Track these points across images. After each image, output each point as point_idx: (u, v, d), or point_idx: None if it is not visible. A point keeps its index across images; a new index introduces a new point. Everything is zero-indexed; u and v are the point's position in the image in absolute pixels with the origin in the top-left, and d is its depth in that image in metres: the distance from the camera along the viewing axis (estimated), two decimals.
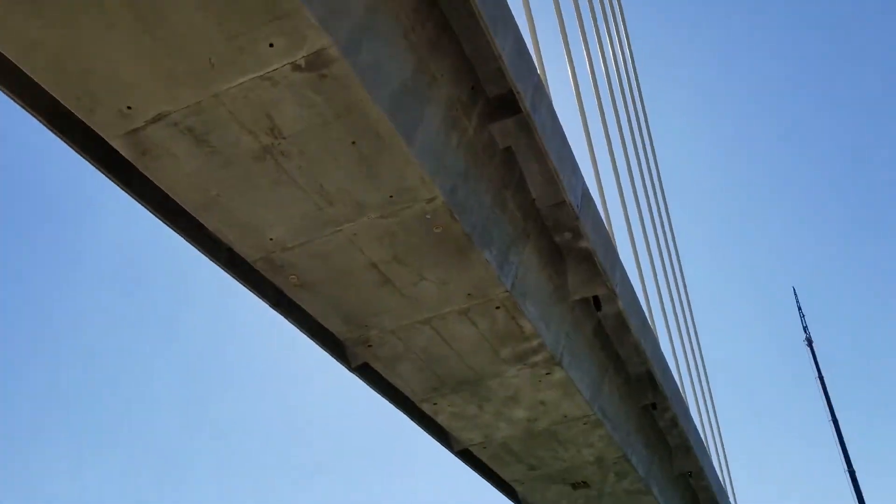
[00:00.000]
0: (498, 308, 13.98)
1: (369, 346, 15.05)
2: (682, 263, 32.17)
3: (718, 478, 33.70)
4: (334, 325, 14.44)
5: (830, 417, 70.69)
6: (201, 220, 11.08)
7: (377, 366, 15.84)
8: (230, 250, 11.94)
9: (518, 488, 23.63)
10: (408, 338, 14.72)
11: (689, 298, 32.79)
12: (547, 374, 16.26)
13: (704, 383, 34.34)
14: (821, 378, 72.59)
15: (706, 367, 34.91)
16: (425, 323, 14.34)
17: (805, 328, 76.21)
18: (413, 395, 16.90)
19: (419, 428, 18.96)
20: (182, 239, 11.67)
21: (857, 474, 67.54)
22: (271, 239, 11.24)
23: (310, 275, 12.17)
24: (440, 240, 11.98)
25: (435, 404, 17.20)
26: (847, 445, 69.08)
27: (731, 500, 39.04)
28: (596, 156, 20.65)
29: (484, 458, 20.50)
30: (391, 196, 10.70)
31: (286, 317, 13.55)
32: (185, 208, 10.79)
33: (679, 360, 30.11)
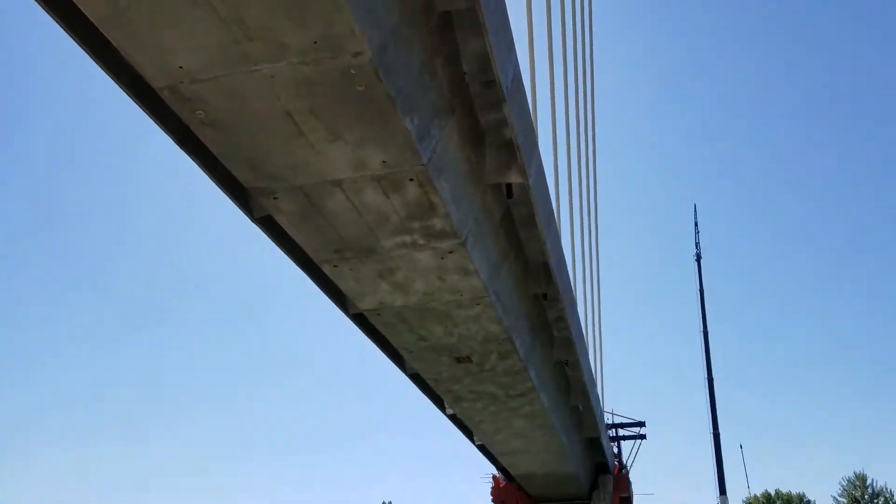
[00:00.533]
0: (412, 180, 13.89)
1: (275, 198, 14.73)
2: (597, 166, 33.02)
3: (591, 370, 36.66)
4: (240, 172, 13.95)
5: (702, 329, 77.18)
6: (106, 34, 10.12)
7: (281, 220, 15.61)
8: (135, 73, 11.08)
9: (406, 356, 24.74)
10: (316, 196, 14.50)
11: (598, 201, 34.02)
12: (450, 252, 16.61)
13: (596, 282, 36.45)
14: (701, 292, 78.42)
15: (601, 269, 36.95)
16: (336, 185, 14.10)
17: (697, 244, 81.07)
18: (315, 254, 16.90)
19: (318, 288, 19.21)
20: (84, 53, 10.71)
21: (716, 384, 74.91)
22: (181, 67, 10.45)
23: (219, 113, 11.54)
24: (362, 99, 11.56)
25: (335, 267, 17.31)
26: (711, 357, 76.12)
27: (599, 392, 42.76)
28: (534, 42, 20.31)
29: (377, 325, 21.17)
30: (315, 42, 10.10)
31: (190, 155, 12.97)
32: (90, 18, 9.78)
33: (577, 258, 31.60)
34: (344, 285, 18.35)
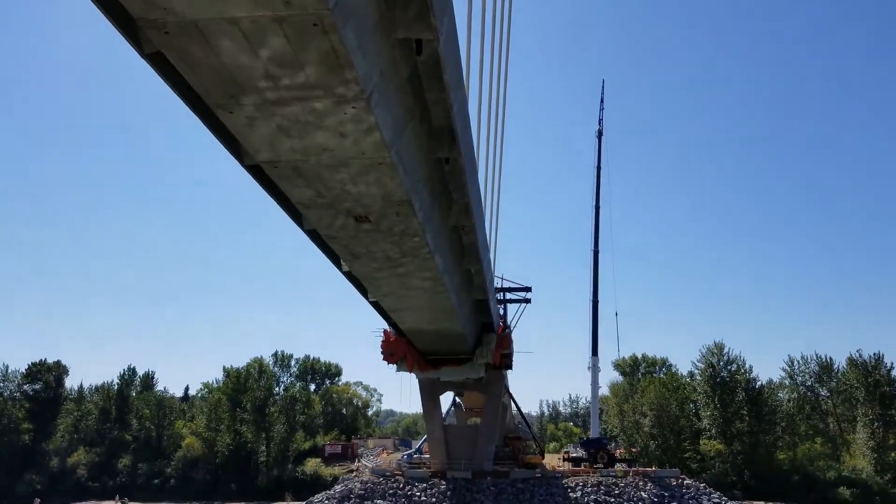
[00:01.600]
0: (315, 25, 13.12)
1: (166, 32, 13.56)
2: (511, 32, 32.29)
3: (486, 236, 38.08)
4: (129, 0, 12.72)
5: (594, 204, 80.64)
6: None
7: (172, 57, 14.47)
8: None
9: (304, 212, 24.56)
10: (211, 33, 13.46)
11: (509, 68, 33.60)
12: (353, 107, 16.12)
13: (499, 151, 36.85)
14: (598, 168, 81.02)
15: (505, 138, 37.24)
16: (234, 23, 13.11)
17: (600, 121, 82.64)
18: (208, 97, 15.95)
19: (210, 133, 18.33)
20: None
21: (600, 255, 79.51)
22: None
23: None
24: None
25: (230, 113, 16.48)
26: (599, 230, 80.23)
27: (491, 257, 44.76)
28: None
29: (273, 177, 20.68)
30: None
31: None
32: None
33: (482, 125, 31.62)
34: (238, 132, 17.58)
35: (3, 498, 79.40)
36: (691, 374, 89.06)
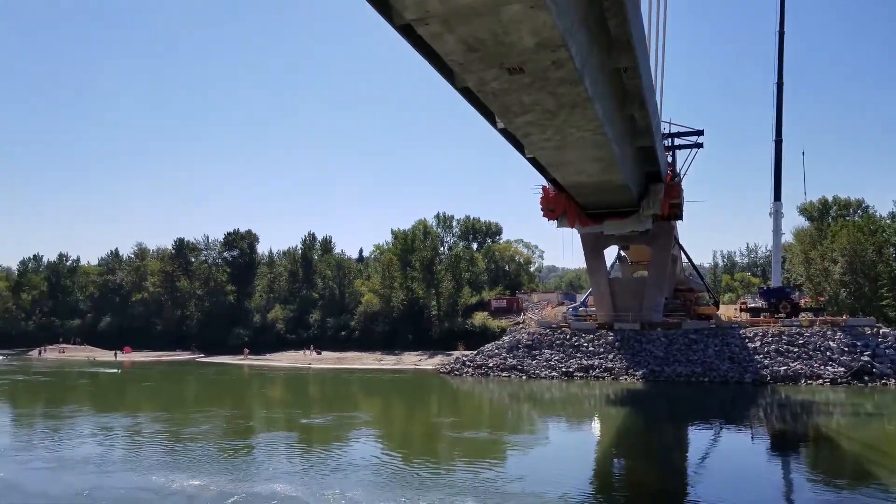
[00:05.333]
0: None
1: None
2: None
3: (651, 77, 35.45)
4: None
5: (777, 29, 71.30)
6: None
7: None
8: None
9: (456, 69, 24.19)
10: None
11: None
12: None
13: None
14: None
15: None
16: None
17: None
18: None
19: None
20: None
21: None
22: None
23: None
24: None
25: None
26: (784, 59, 71.19)
27: (657, 101, 41.87)
28: None
29: (424, 35, 20.38)
30: None
31: None
32: None
33: None
34: None
35: (221, 346, 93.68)
36: (893, 216, 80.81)
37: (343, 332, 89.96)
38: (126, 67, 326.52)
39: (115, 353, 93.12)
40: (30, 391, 55.33)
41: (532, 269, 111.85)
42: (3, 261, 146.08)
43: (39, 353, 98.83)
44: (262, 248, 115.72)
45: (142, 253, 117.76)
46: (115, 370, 74.07)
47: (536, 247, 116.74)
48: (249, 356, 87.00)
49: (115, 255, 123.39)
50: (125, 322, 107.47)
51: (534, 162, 40.99)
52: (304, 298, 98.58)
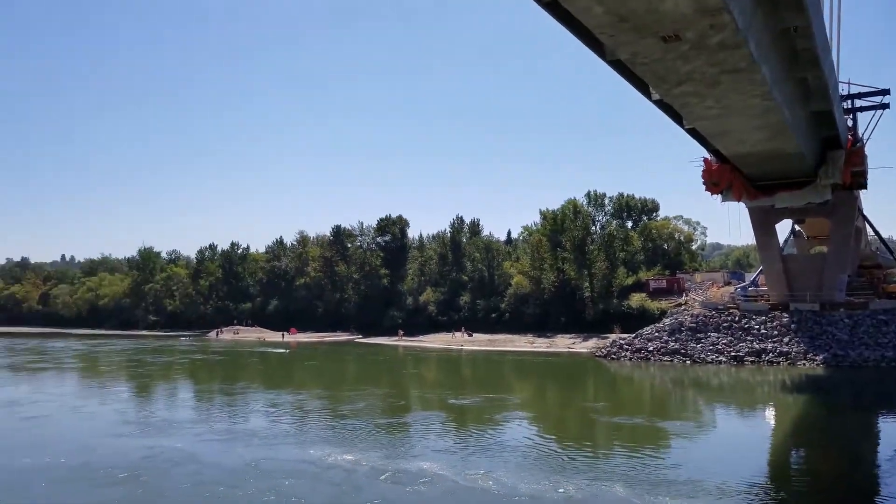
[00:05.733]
0: None
1: None
2: None
3: (825, 35, 32.59)
4: None
5: None
6: None
7: None
8: None
9: (606, 41, 23.75)
10: None
11: None
12: None
13: None
14: None
15: None
16: None
17: None
18: None
19: None
20: None
21: None
22: None
23: None
24: None
25: None
26: None
27: (833, 60, 38.37)
28: None
29: (572, 10, 20.30)
30: None
31: None
32: None
33: None
34: None
35: (377, 328, 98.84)
36: None
37: (493, 315, 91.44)
38: (273, 64, 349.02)
39: (283, 335, 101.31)
40: (207, 369, 61.83)
41: (693, 248, 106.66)
42: (184, 251, 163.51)
43: (217, 335, 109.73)
44: (412, 233, 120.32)
45: (303, 240, 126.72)
46: (283, 350, 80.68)
47: (698, 223, 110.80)
48: (404, 337, 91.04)
49: (280, 242, 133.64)
50: (290, 305, 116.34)
51: (693, 133, 39.25)
52: (454, 281, 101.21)
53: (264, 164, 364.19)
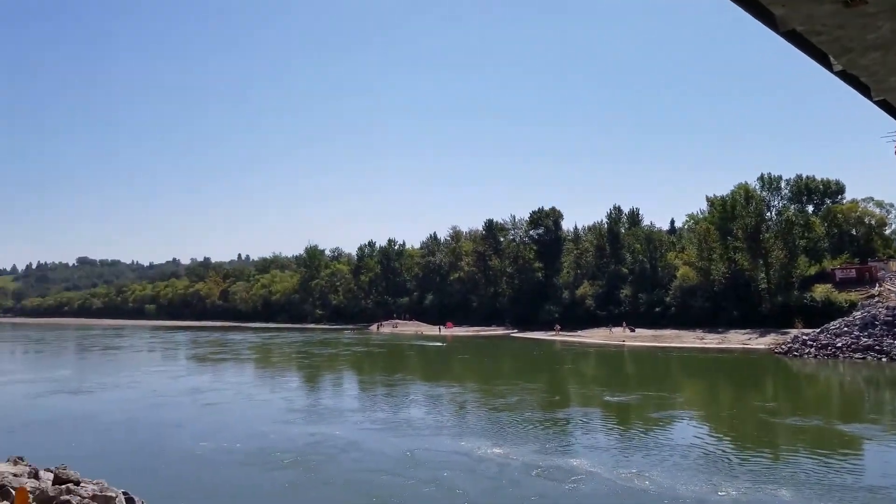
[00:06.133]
0: None
1: None
2: None
3: None
4: None
5: None
6: None
7: None
8: None
9: (778, 12, 22.03)
10: None
11: None
12: None
13: None
14: None
15: None
16: None
17: None
18: None
19: None
20: None
21: None
22: None
23: None
24: None
25: None
26: None
27: None
28: None
29: None
30: None
31: None
32: None
33: None
34: None
35: (532, 322, 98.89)
36: None
37: (657, 309, 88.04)
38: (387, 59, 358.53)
39: (439, 328, 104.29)
40: (367, 361, 64.99)
41: (888, 232, 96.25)
42: (346, 248, 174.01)
43: (377, 328, 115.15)
44: (566, 225, 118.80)
45: (456, 235, 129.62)
46: (439, 343, 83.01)
47: (892, 205, 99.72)
48: (560, 332, 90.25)
49: (434, 238, 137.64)
50: (445, 299, 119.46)
51: (884, 105, 35.34)
52: (613, 274, 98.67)
53: (420, 161, 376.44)
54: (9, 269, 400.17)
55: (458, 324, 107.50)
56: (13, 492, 10.52)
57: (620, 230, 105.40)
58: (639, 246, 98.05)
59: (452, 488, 19.66)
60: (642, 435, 27.40)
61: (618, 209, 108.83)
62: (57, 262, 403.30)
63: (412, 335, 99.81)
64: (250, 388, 44.13)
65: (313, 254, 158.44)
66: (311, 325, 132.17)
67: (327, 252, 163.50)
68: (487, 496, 19.08)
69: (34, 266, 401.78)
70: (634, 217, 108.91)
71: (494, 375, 51.23)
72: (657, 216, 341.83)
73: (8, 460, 15.14)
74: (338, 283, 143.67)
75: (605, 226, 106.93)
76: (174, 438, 27.67)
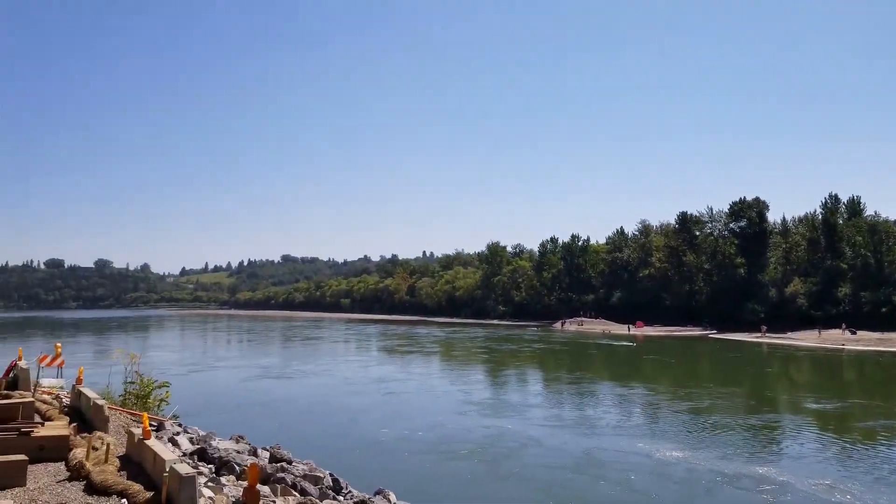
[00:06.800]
0: None
1: None
2: None
3: None
4: None
5: None
6: None
7: None
8: None
9: None
10: None
11: None
12: None
13: None
14: None
15: None
16: None
17: None
18: None
19: None
20: None
21: None
22: None
23: None
24: None
25: None
26: None
27: None
28: None
29: None
30: None
31: None
32: None
33: None
34: None
35: (733, 322, 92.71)
36: None
37: (883, 309, 78.75)
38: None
39: (628, 327, 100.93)
40: (550, 358, 64.33)
41: None
42: (527, 244, 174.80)
43: (561, 325, 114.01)
44: (772, 216, 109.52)
45: (645, 229, 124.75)
46: (629, 343, 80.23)
47: None
48: (767, 334, 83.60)
49: (621, 232, 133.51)
50: (634, 297, 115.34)
51: None
52: (829, 270, 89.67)
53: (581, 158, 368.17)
54: (224, 266, 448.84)
55: (649, 323, 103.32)
56: (237, 468, 11.76)
57: (837, 221, 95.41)
58: (861, 238, 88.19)
59: (640, 491, 18.88)
60: (848, 446, 24.86)
61: (834, 198, 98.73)
62: (264, 259, 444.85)
63: (598, 334, 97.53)
64: (431, 380, 45.62)
65: (495, 250, 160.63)
66: (494, 322, 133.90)
67: (509, 248, 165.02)
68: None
69: (245, 263, 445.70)
70: (855, 206, 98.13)
71: (687, 378, 48.63)
72: (885, 205, 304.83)
73: (231, 438, 16.65)
74: (520, 280, 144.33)
75: (820, 217, 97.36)
76: (360, 424, 29.26)
